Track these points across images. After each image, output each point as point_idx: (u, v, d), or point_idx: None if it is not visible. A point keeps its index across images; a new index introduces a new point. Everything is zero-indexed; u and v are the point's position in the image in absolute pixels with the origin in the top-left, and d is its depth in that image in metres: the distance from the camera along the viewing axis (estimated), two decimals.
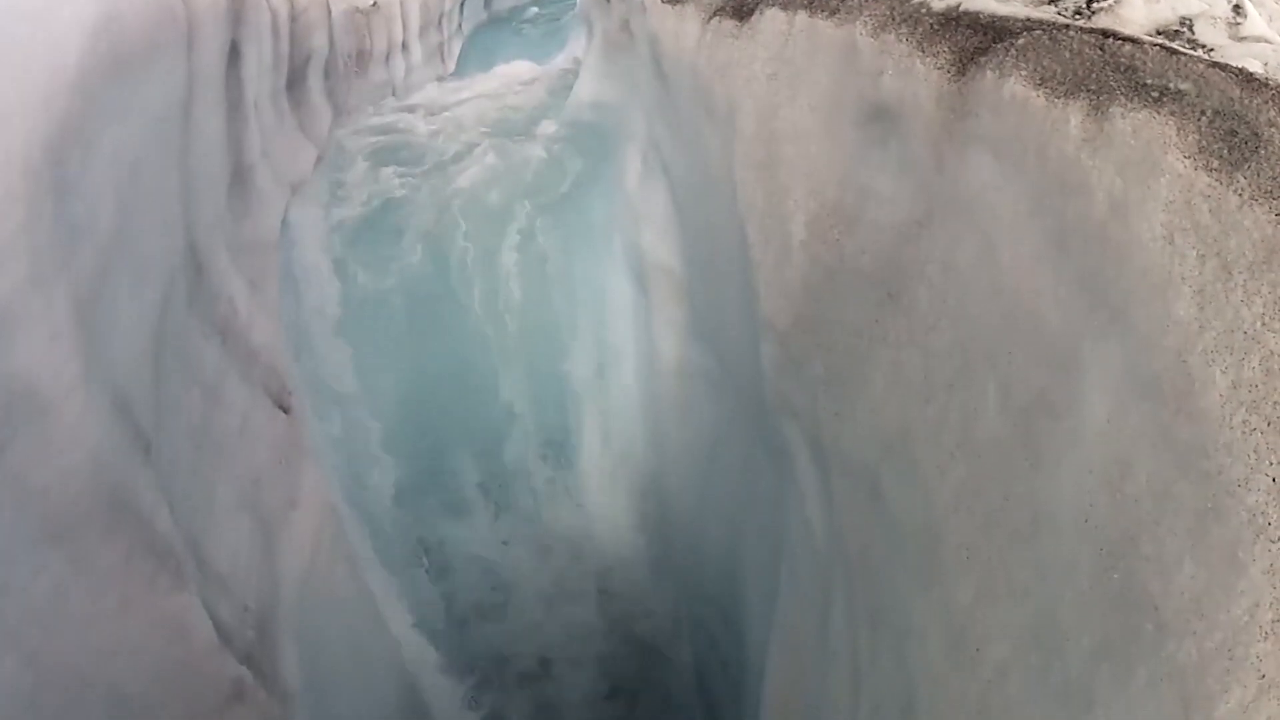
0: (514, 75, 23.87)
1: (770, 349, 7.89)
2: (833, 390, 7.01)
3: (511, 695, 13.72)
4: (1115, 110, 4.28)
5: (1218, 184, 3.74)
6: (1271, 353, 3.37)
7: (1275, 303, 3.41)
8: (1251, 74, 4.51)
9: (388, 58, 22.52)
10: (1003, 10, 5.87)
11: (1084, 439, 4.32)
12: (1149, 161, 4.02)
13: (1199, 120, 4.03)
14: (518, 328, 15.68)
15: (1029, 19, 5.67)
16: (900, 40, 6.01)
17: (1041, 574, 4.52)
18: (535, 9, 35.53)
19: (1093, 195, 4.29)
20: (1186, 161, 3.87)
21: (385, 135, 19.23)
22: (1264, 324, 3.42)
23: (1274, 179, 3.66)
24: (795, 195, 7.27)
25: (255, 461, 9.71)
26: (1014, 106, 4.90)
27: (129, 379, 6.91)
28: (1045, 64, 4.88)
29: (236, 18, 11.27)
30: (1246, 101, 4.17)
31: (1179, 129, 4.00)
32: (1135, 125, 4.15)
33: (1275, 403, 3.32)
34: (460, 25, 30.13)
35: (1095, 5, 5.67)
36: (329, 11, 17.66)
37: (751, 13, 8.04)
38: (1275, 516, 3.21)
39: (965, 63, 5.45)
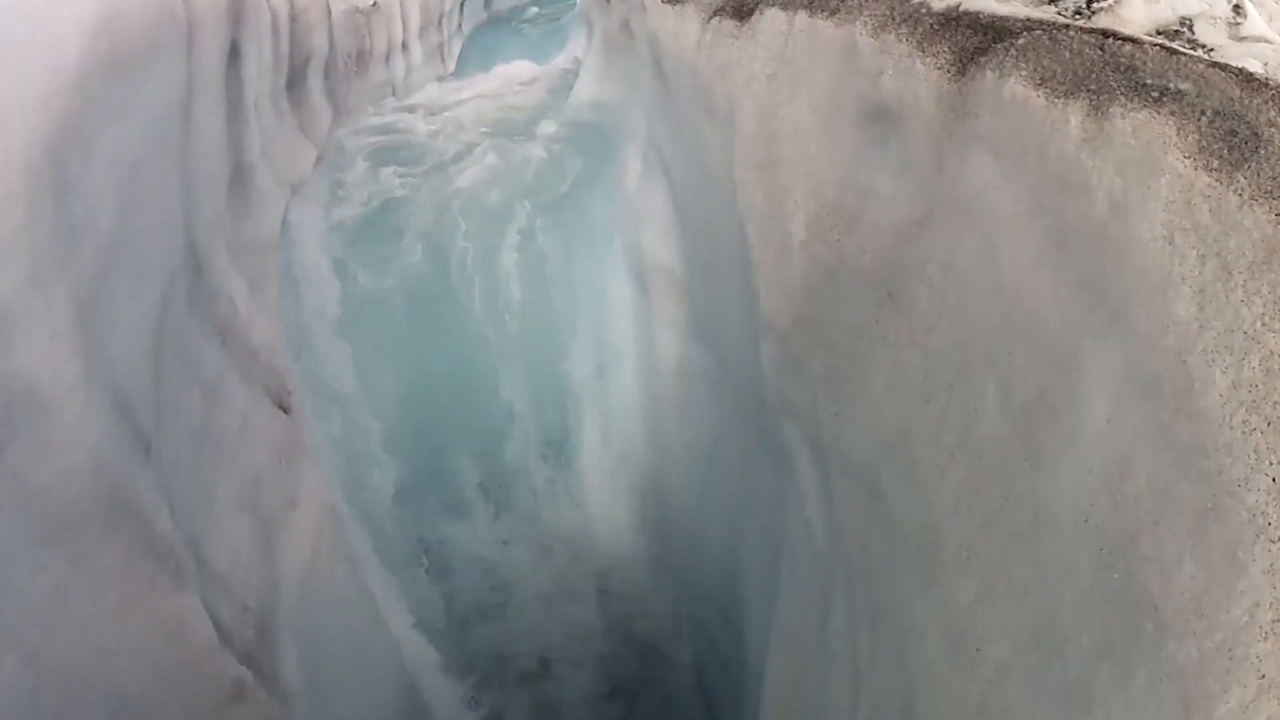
0: (514, 75, 23.85)
1: (770, 349, 7.89)
2: (833, 390, 7.02)
3: (511, 695, 13.73)
4: (1115, 110, 4.28)
5: (1218, 184, 3.73)
6: (1271, 353, 3.37)
7: (1275, 303, 3.41)
8: (1251, 74, 4.51)
9: (388, 58, 22.52)
10: (1003, 10, 5.87)
11: (1084, 439, 4.32)
12: (1149, 161, 4.02)
13: (1199, 120, 4.03)
14: (518, 328, 15.66)
15: (1029, 19, 5.67)
16: (900, 40, 6.00)
17: (1041, 574, 4.52)
18: (535, 9, 35.50)
19: (1093, 195, 4.29)
20: (1186, 161, 3.87)
21: (385, 135, 19.21)
22: (1264, 324, 3.42)
23: (1274, 179, 3.65)
24: (795, 195, 7.27)
25: (255, 461, 9.71)
26: (1014, 106, 4.90)
27: (129, 379, 6.91)
28: (1045, 64, 4.87)
29: (236, 18, 11.27)
30: (1246, 101, 4.17)
31: (1179, 129, 4.00)
32: (1135, 125, 4.15)
33: (1275, 403, 3.32)
34: (460, 25, 30.13)
35: (1095, 5, 5.67)
36: (329, 11, 17.65)
37: (751, 13, 8.04)
38: (1275, 516, 3.21)
39: (965, 63, 5.45)
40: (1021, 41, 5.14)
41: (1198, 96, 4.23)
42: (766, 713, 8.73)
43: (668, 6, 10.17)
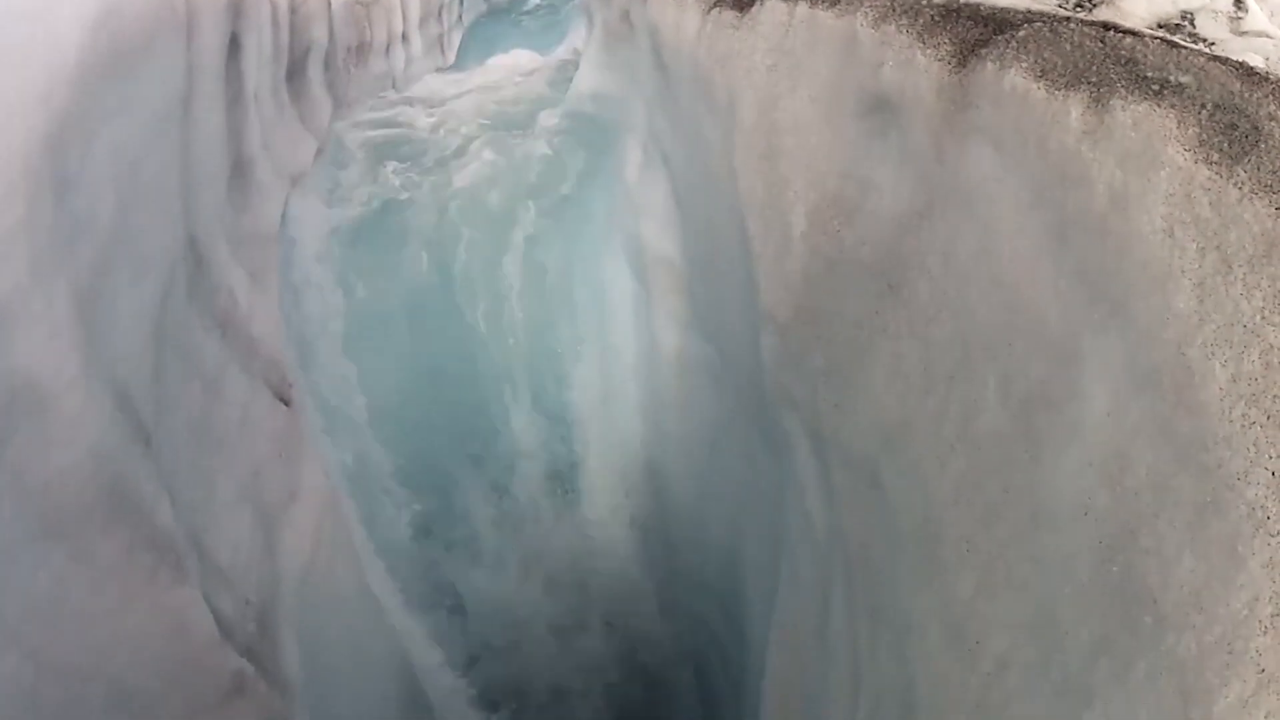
0: (514, 66, 23.82)
1: (770, 341, 7.88)
2: (833, 382, 7.01)
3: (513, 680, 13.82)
4: (1116, 103, 4.27)
5: (1218, 177, 3.73)
6: (1271, 346, 3.37)
7: (1275, 296, 3.41)
8: (1252, 68, 4.50)
9: (388, 49, 22.48)
10: (1003, 2, 5.86)
11: (1084, 432, 4.32)
12: (1149, 154, 4.01)
13: (1199, 113, 4.02)
14: (523, 350, 15.64)
15: (1030, 11, 5.66)
16: (901, 31, 5.99)
17: (1041, 567, 4.52)
18: (535, 0, 35.44)
19: (1093, 187, 4.28)
20: (1187, 154, 3.87)
21: (385, 129, 19.17)
22: (1264, 317, 3.42)
23: (1274, 173, 3.65)
24: (795, 186, 7.26)
25: (255, 454, 9.72)
26: (1014, 98, 4.89)
27: (129, 373, 6.92)
28: (1046, 56, 4.86)
29: (236, 10, 11.25)
30: (1247, 95, 4.16)
31: (1179, 122, 3.99)
32: (1135, 118, 4.14)
33: (1275, 396, 3.32)
34: (460, 17, 30.07)
35: None
36: (329, 3, 17.61)
37: (752, 3, 8.03)
38: (1274, 510, 3.21)
39: (966, 54, 5.44)
40: (1022, 33, 5.13)
41: (1198, 90, 4.22)
42: (766, 707, 8.74)
43: None
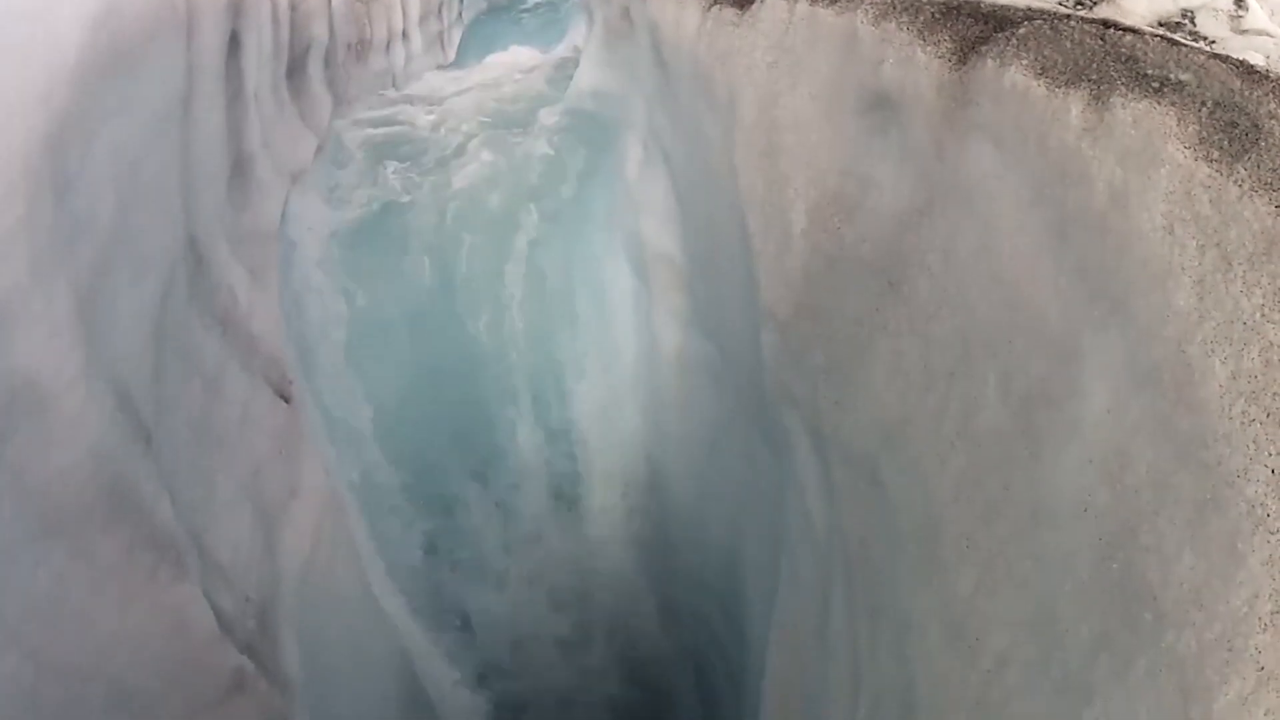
0: (514, 64, 23.81)
1: (771, 338, 7.88)
2: (833, 379, 7.01)
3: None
4: (1116, 100, 4.27)
5: (1218, 175, 3.73)
6: (1271, 344, 3.37)
7: (1275, 294, 3.41)
8: (1252, 66, 4.50)
9: (388, 46, 22.47)
10: None
11: (1084, 429, 4.32)
12: (1149, 152, 4.01)
13: (1199, 111, 4.02)
14: (526, 362, 15.61)
15: (1030, 8, 5.66)
16: (901, 29, 5.99)
17: (1041, 564, 4.52)
18: None
19: (1093, 185, 4.28)
20: (1187, 152, 3.86)
21: (385, 128, 19.12)
22: (1263, 315, 3.42)
23: (1274, 171, 3.64)
24: (796, 183, 7.26)
25: (256, 452, 9.73)
26: (1015, 96, 4.88)
27: (129, 372, 6.92)
28: (1046, 53, 4.86)
29: (236, 8, 11.24)
30: (1247, 93, 4.16)
31: (1179, 119, 3.99)
32: (1136, 115, 4.14)
33: (1274, 394, 3.32)
34: (460, 14, 30.08)
35: None
36: (329, 0, 17.61)
37: (752, 0, 8.02)
38: (1274, 508, 3.21)
39: (966, 52, 5.44)
40: (1022, 31, 5.12)
41: (1198, 87, 4.22)
42: (766, 707, 8.74)
43: None
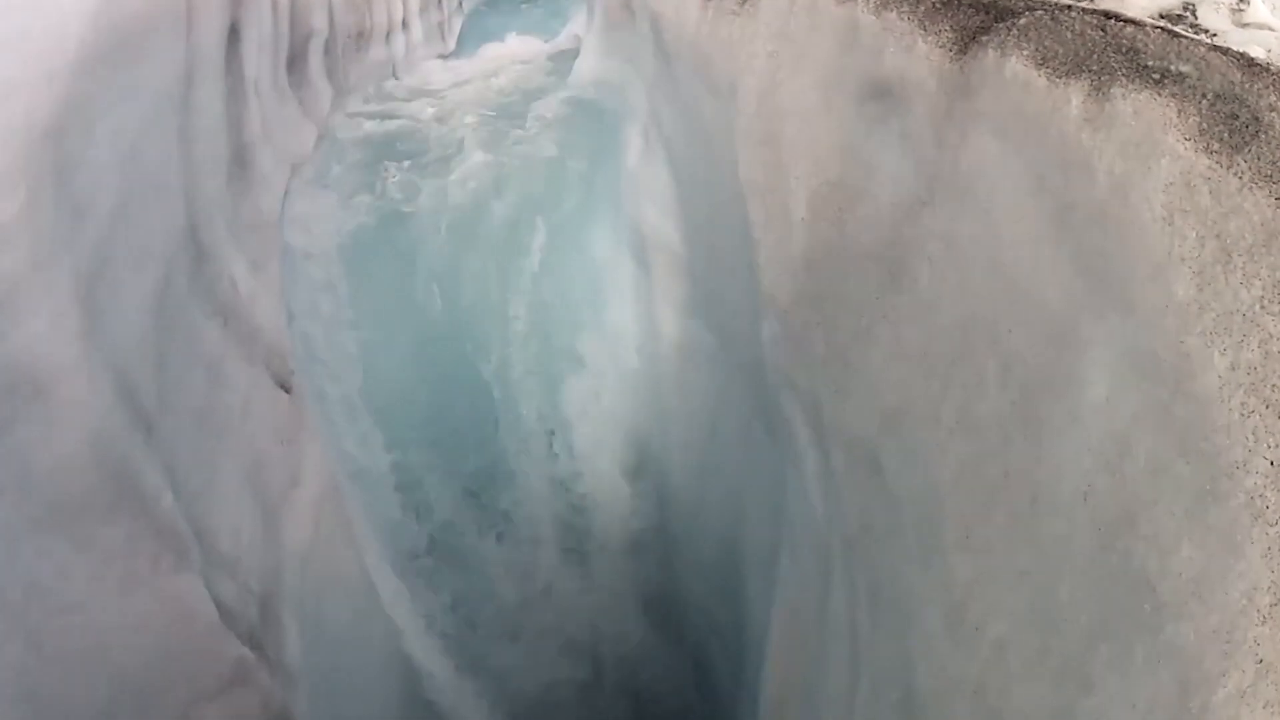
0: (515, 54, 23.75)
1: (771, 326, 7.89)
2: (833, 367, 7.02)
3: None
4: (1116, 91, 4.27)
5: (1218, 166, 3.73)
6: (1270, 335, 3.37)
7: (1274, 286, 3.41)
8: (1253, 59, 4.50)
9: (388, 36, 22.38)
10: None
11: (1083, 417, 4.33)
12: (1150, 142, 4.01)
13: (1200, 103, 4.02)
14: (528, 381, 15.62)
15: None
16: (902, 18, 5.99)
17: (1040, 552, 4.53)
18: None
19: (1093, 175, 4.29)
20: (1187, 143, 3.87)
21: (385, 121, 19.02)
22: (1263, 307, 3.42)
23: (1274, 163, 3.65)
24: (796, 172, 7.26)
25: (257, 441, 9.73)
26: (1015, 86, 4.89)
27: (131, 360, 6.92)
28: (1047, 44, 4.86)
29: None
30: (1247, 85, 4.17)
31: (1180, 111, 3.99)
32: (1136, 106, 4.14)
33: (1273, 386, 3.33)
34: (461, 3, 29.98)
35: None
36: None
37: None
38: (1273, 500, 3.21)
39: (967, 42, 5.44)
40: (1023, 21, 5.13)
41: (1199, 79, 4.22)
42: (767, 691, 8.77)
43: None
